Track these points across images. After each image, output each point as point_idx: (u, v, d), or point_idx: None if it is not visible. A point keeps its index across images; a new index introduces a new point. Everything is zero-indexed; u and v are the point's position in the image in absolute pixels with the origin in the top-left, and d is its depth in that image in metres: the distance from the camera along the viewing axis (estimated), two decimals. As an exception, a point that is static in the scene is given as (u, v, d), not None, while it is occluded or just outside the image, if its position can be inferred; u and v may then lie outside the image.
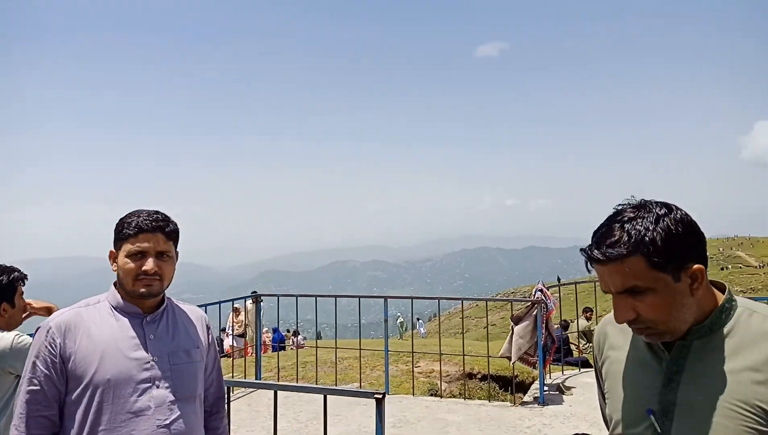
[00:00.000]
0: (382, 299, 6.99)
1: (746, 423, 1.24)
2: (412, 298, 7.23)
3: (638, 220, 1.29)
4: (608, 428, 1.59)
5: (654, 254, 1.26)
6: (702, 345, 1.34)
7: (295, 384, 6.54)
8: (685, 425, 1.31)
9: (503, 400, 7.13)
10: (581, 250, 1.37)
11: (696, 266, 1.30)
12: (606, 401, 1.53)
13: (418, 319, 32.42)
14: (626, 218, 1.31)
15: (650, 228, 1.27)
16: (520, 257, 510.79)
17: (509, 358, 6.73)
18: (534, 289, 6.95)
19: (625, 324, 1.38)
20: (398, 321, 26.49)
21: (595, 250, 1.31)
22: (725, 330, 1.33)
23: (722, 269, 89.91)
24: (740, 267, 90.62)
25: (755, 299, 5.66)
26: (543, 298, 6.67)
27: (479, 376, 8.74)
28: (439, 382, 7.69)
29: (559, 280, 8.48)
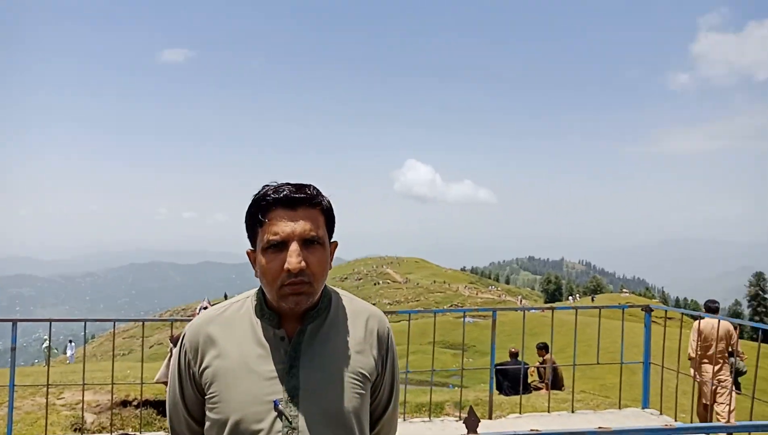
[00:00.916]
0: (16, 323, 5.74)
1: (354, 389, 1.45)
2: (50, 320, 6.12)
3: (310, 187, 1.45)
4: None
5: (328, 214, 1.48)
6: (314, 328, 1.47)
7: None
8: (310, 405, 1.40)
9: (159, 428, 6.56)
10: (266, 195, 1.41)
11: (335, 241, 1.53)
12: (214, 405, 1.43)
13: (70, 341, 28.66)
14: (298, 185, 1.44)
15: (322, 194, 1.47)
16: (194, 272, 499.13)
17: (166, 383, 6.21)
18: (198, 307, 6.61)
19: (228, 321, 1.49)
20: (44, 346, 22.93)
21: (295, 193, 1.41)
22: (329, 312, 1.52)
23: (375, 284, 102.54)
24: (388, 282, 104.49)
25: (400, 311, 6.30)
26: (208, 315, 6.35)
27: (135, 403, 7.93)
28: (84, 415, 6.69)
29: (226, 296, 8.27)
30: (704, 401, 6.84)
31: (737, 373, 6.92)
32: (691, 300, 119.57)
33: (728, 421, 6.21)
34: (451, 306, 69.94)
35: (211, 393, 1.44)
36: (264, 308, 1.48)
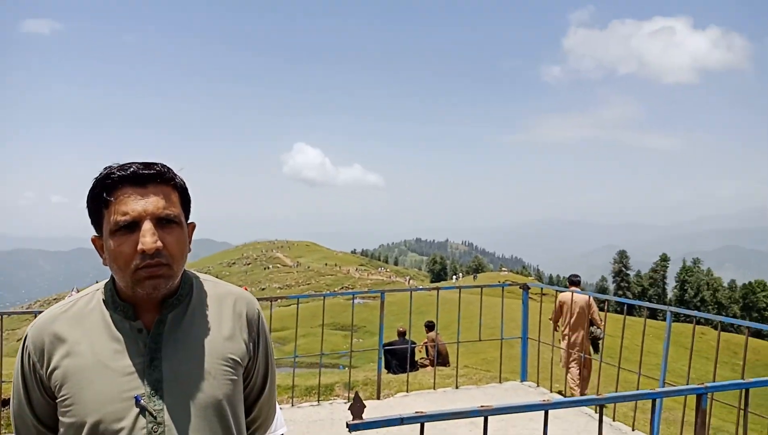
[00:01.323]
0: None
1: (225, 376, 1.36)
2: None
3: (159, 164, 1.33)
4: None
5: (183, 192, 1.37)
6: (176, 317, 1.36)
7: None
8: (176, 397, 1.30)
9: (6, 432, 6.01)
10: (111, 174, 1.28)
11: (193, 222, 1.42)
12: (68, 408, 1.29)
13: None
14: (146, 162, 1.32)
15: (174, 171, 1.35)
16: (66, 259, 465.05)
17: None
18: (66, 296, 6.10)
19: (76, 316, 1.34)
20: None
21: (144, 170, 1.28)
22: (191, 298, 1.40)
23: (265, 269, 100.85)
24: (278, 266, 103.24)
25: (290, 296, 6.15)
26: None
27: (-4, 403, 7.23)
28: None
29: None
30: (562, 365, 7.69)
31: (595, 339, 7.77)
32: (563, 277, 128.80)
33: (598, 392, 6.82)
34: (342, 288, 70.34)
35: (62, 396, 1.29)
36: (116, 299, 1.34)
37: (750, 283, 78.19)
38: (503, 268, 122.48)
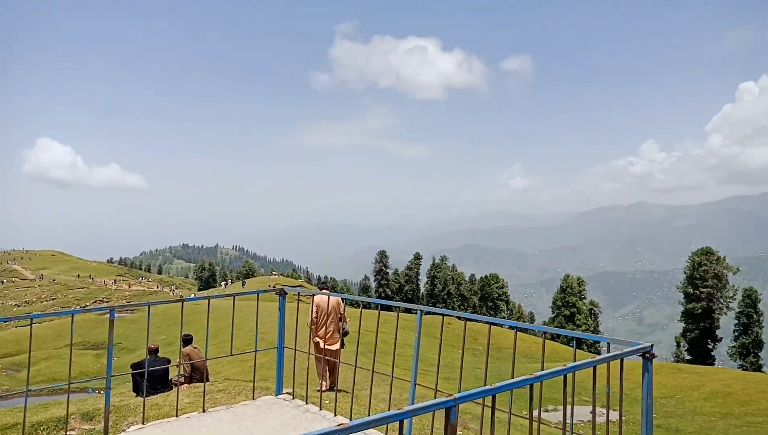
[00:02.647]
0: None
1: None
2: None
3: None
4: None
5: None
6: None
7: None
8: None
9: None
10: None
11: None
12: None
13: None
14: None
15: None
16: None
17: None
18: None
19: None
20: None
21: None
22: None
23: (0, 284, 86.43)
24: (15, 280, 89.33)
25: (33, 315, 4.97)
26: None
27: None
28: None
29: None
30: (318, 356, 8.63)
31: (345, 333, 9.12)
32: (331, 277, 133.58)
33: (336, 384, 7.33)
34: (96, 302, 64.12)
35: None
36: None
37: (486, 276, 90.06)
38: (274, 272, 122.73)
